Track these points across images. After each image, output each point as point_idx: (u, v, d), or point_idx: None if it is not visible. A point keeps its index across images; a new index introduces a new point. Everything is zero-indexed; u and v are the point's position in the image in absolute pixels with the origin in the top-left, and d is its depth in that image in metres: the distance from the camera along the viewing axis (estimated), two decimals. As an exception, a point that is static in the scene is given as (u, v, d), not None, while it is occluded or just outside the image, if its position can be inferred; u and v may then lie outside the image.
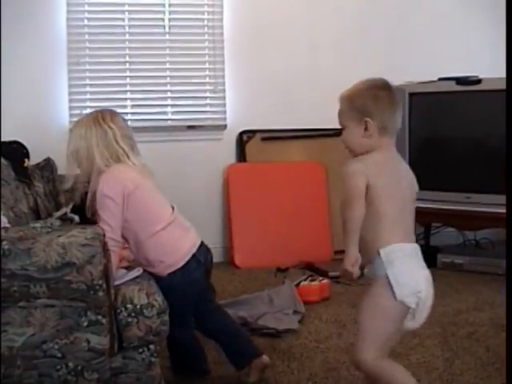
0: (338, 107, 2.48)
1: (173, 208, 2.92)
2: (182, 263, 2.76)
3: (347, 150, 2.48)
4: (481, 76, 4.75)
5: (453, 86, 4.68)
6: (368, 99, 2.40)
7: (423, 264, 2.41)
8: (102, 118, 2.85)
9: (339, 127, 2.48)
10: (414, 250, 2.40)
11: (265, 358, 3.01)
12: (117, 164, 2.80)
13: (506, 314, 2.57)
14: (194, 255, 2.78)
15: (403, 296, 2.30)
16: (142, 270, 2.71)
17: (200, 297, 2.93)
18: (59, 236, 2.40)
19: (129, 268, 2.78)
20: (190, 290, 2.74)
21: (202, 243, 2.89)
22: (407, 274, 2.32)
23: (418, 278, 2.35)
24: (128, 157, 2.83)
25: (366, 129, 2.39)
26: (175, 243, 2.80)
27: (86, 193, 4.25)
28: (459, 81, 4.76)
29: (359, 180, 2.31)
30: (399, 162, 2.51)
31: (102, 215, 2.71)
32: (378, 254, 2.31)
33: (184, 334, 2.95)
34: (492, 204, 4.65)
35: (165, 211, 2.85)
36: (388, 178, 2.38)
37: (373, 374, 2.36)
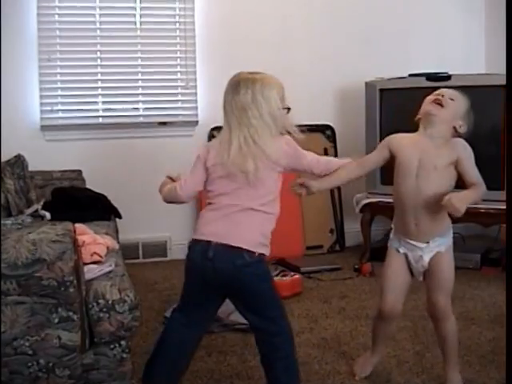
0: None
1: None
2: (194, 237, 2.73)
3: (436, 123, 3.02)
4: (451, 72, 4.79)
5: (423, 82, 4.70)
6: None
7: None
8: None
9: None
10: None
11: None
12: None
13: (506, 314, 2.61)
14: (207, 242, 2.67)
15: None
16: (113, 266, 2.71)
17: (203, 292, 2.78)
18: (29, 232, 2.39)
19: (100, 263, 2.78)
20: (188, 266, 2.67)
21: (226, 248, 2.66)
22: None
23: None
24: None
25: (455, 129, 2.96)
26: (200, 220, 2.83)
27: (57, 189, 4.25)
28: (429, 77, 4.79)
29: None
30: None
31: None
32: (449, 227, 2.98)
33: (172, 330, 2.71)
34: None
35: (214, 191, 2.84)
36: None
37: (448, 315, 2.89)
